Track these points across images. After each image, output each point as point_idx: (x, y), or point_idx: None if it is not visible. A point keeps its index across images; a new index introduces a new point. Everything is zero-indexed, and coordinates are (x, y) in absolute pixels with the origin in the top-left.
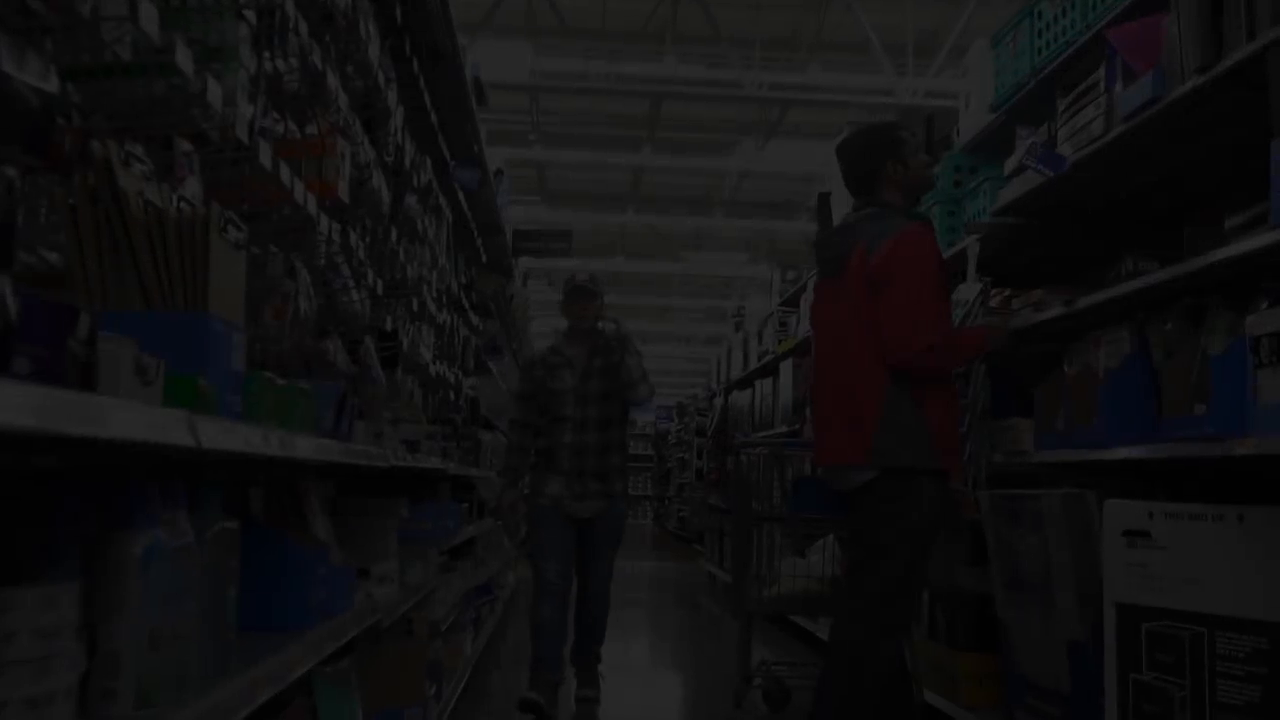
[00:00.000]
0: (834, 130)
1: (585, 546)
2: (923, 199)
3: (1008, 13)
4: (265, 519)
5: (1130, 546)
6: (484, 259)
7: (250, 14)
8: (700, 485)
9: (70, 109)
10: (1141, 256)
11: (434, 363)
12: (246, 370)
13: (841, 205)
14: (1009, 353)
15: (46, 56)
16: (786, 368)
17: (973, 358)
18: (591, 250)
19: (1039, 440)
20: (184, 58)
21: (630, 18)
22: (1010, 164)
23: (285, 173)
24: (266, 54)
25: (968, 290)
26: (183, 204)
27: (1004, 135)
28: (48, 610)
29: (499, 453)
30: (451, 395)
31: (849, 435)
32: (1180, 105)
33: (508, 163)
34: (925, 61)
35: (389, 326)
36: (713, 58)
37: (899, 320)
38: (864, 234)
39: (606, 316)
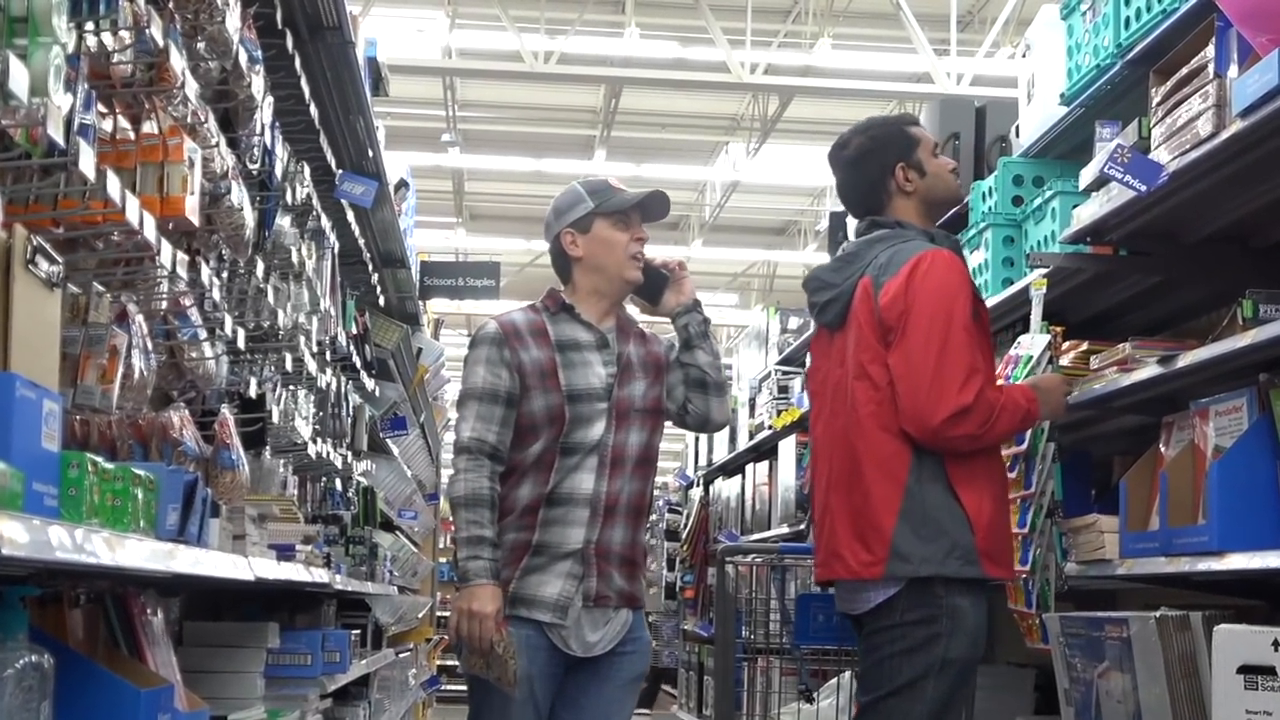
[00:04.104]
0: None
1: (582, 712)
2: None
3: None
4: (87, 649)
5: (1249, 687)
6: (382, 301)
7: None
8: (673, 605)
9: None
10: (1264, 298)
11: (314, 440)
12: (63, 450)
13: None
14: (1080, 425)
15: None
16: (788, 447)
17: (1018, 430)
18: (526, 289)
19: (1126, 545)
20: None
21: None
22: (1088, 174)
23: (114, 185)
24: (89, 26)
25: (1031, 343)
26: None
27: (1079, 136)
28: None
29: (404, 562)
30: (338, 484)
31: (858, 537)
32: None
33: (415, 172)
34: (973, 37)
35: (253, 392)
36: (689, 32)
37: (916, 380)
38: (867, 265)
39: (662, 261)
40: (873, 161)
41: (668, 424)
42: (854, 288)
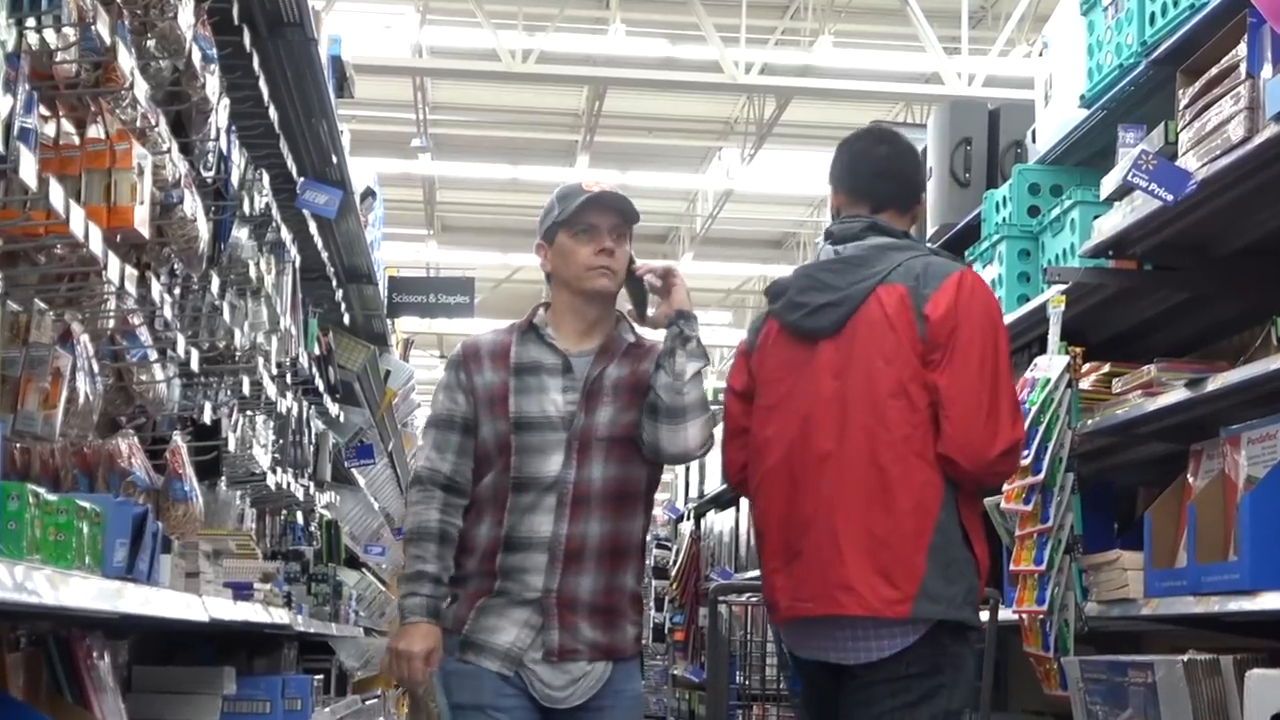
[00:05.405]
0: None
1: None
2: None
3: None
4: (28, 695)
5: None
6: (348, 319)
7: None
8: (661, 648)
9: None
10: None
11: (274, 470)
12: (2, 481)
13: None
14: (1102, 454)
15: None
16: None
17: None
18: (503, 307)
19: (1151, 583)
20: None
21: None
22: (1110, 182)
23: (57, 194)
24: (30, 22)
25: (1049, 365)
26: None
27: (1101, 141)
28: None
29: (371, 601)
30: (299, 517)
31: (880, 571)
32: None
33: (383, 180)
34: (986, 34)
35: (208, 418)
36: (679, 29)
37: (972, 408)
38: (888, 271)
39: (647, 269)
40: (920, 173)
41: None
42: (865, 294)
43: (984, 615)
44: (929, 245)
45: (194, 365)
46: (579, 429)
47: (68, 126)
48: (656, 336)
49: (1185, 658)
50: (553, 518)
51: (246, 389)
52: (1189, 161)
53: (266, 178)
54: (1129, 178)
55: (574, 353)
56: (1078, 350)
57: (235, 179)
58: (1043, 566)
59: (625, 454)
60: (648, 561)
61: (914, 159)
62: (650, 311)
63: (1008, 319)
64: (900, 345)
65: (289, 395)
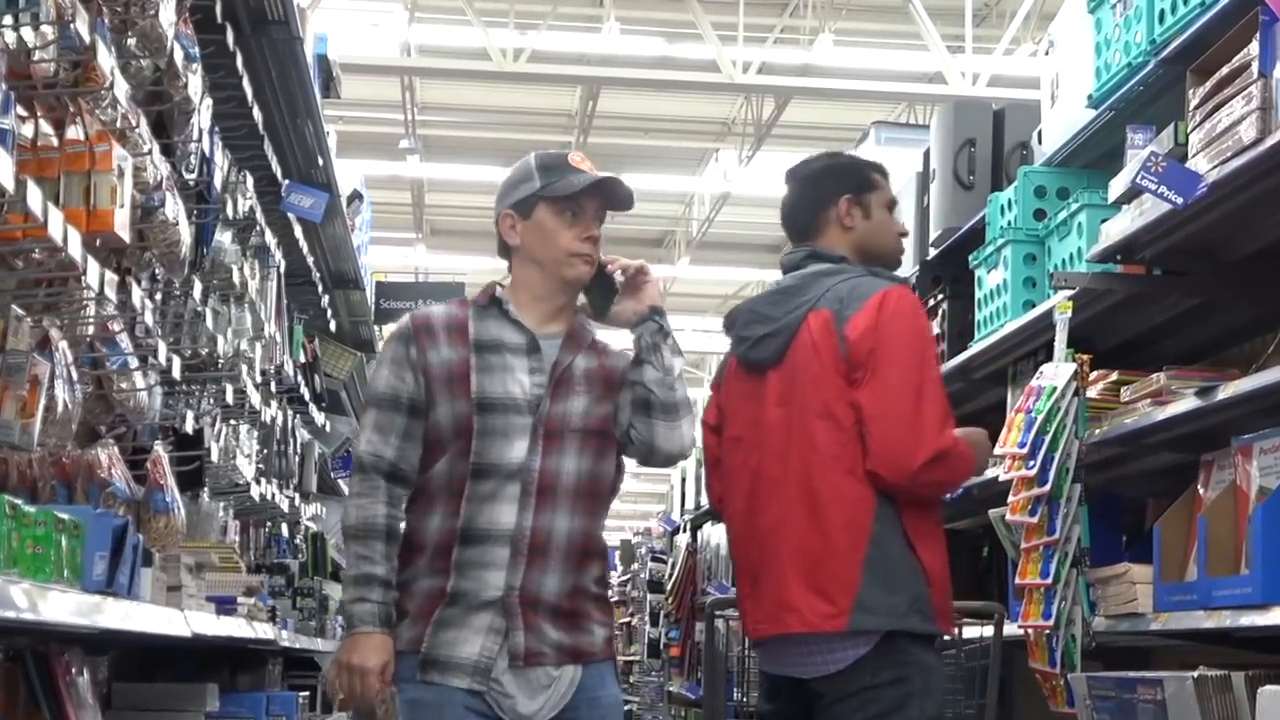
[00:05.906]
0: (856, 137)
1: None
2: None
3: None
4: (5, 712)
5: None
6: (334, 326)
7: None
8: (656, 664)
9: None
10: None
11: (258, 481)
12: None
13: None
14: (1110, 464)
15: None
16: None
17: (964, 481)
18: None
19: (1160, 597)
20: None
21: None
22: (1118, 185)
23: (35, 196)
24: (8, 20)
25: (1055, 373)
26: None
27: (1109, 142)
28: None
29: None
30: (284, 530)
31: (815, 589)
32: None
33: (370, 182)
34: (991, 33)
35: (190, 427)
36: (675, 27)
37: (893, 421)
38: (819, 297)
39: (616, 262)
40: (826, 183)
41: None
42: (799, 322)
43: (989, 630)
44: (860, 267)
45: (175, 373)
46: (545, 414)
47: (46, 127)
48: (611, 335)
49: (1195, 674)
50: (516, 508)
51: (230, 397)
52: (1199, 163)
53: (250, 180)
54: (1138, 180)
55: (539, 334)
56: (1085, 357)
57: (218, 181)
58: (1049, 580)
59: (598, 447)
60: (643, 575)
61: (822, 175)
62: (612, 308)
63: (1012, 326)
64: (825, 368)
65: (273, 404)
